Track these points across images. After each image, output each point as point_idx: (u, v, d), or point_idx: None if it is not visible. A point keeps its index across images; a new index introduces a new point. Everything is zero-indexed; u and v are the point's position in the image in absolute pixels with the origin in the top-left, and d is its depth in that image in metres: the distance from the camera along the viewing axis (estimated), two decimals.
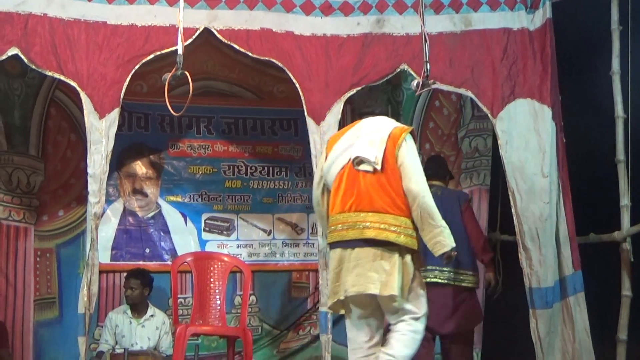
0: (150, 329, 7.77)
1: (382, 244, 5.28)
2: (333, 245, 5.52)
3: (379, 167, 5.35)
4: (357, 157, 5.41)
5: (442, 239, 5.27)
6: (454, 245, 5.30)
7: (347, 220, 5.40)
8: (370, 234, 5.30)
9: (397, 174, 5.35)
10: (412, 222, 5.35)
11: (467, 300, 6.93)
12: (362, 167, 5.41)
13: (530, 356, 6.77)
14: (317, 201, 5.86)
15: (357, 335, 5.50)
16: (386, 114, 6.04)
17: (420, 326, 5.38)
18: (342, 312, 5.55)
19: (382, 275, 5.23)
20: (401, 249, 5.30)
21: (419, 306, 5.38)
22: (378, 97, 6.13)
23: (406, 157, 5.38)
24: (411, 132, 5.54)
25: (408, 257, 5.33)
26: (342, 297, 5.38)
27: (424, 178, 5.40)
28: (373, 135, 5.47)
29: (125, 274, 7.95)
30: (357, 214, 5.36)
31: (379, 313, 5.48)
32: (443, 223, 5.31)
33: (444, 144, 8.64)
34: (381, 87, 8.19)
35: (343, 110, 6.93)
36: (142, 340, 7.68)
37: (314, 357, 8.27)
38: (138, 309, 7.78)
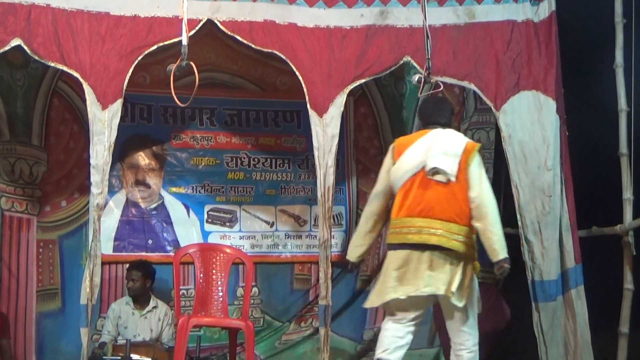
0: (153, 320, 7.79)
1: (448, 250, 5.60)
2: (396, 246, 5.76)
3: (453, 178, 5.66)
4: (434, 168, 5.66)
5: (496, 248, 5.58)
6: (505, 256, 5.55)
7: (414, 225, 5.67)
8: (435, 240, 5.61)
9: (466, 186, 5.67)
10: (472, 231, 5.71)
11: (491, 298, 7.03)
12: (437, 177, 5.67)
13: (534, 349, 6.80)
14: (378, 205, 6.07)
15: (394, 331, 5.76)
16: (451, 125, 6.15)
17: (476, 333, 5.77)
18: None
19: (449, 278, 5.58)
20: (465, 256, 5.65)
21: (473, 309, 5.77)
22: (445, 108, 6.15)
23: (474, 169, 5.68)
24: (479, 149, 5.85)
25: (470, 264, 5.69)
26: (402, 297, 5.64)
27: (490, 189, 5.71)
28: (448, 147, 5.73)
29: (127, 265, 7.98)
30: (425, 220, 5.65)
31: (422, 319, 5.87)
32: (498, 232, 5.60)
33: None
34: (383, 80, 8.22)
35: (346, 102, 6.93)
36: (144, 332, 7.71)
37: (315, 348, 8.25)
38: (140, 300, 7.80)
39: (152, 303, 7.84)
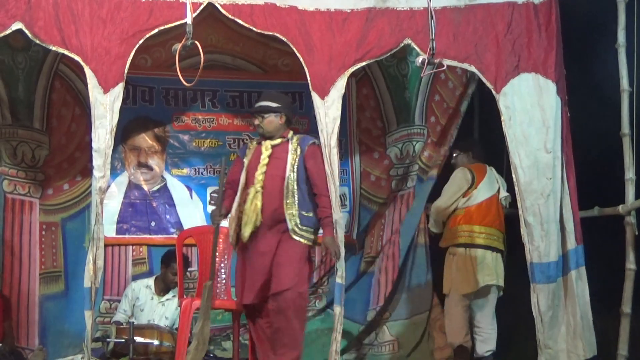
0: (170, 308, 7.95)
1: (502, 251, 7.66)
2: (476, 246, 7.57)
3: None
4: (508, 195, 7.67)
5: None
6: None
7: (490, 232, 7.61)
8: (499, 245, 7.65)
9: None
10: None
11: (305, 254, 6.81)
12: (503, 201, 7.76)
13: (532, 330, 6.91)
14: (448, 211, 7.77)
15: (465, 319, 7.59)
16: None
17: None
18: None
19: (501, 271, 7.62)
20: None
21: None
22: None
23: None
24: None
25: None
26: (482, 285, 7.49)
27: None
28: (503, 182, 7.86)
29: (165, 253, 8.14)
30: (493, 229, 7.65)
31: None
32: None
33: (449, 117, 8.76)
34: (385, 60, 8.27)
35: (348, 83, 6.99)
36: (159, 319, 7.86)
37: (319, 330, 8.38)
38: (163, 287, 7.98)
39: (172, 292, 7.99)
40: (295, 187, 6.64)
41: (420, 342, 8.52)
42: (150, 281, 8.02)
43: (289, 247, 6.61)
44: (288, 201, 6.60)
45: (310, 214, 6.70)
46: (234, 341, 7.44)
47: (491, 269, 7.47)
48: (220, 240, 7.60)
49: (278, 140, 6.76)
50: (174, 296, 7.96)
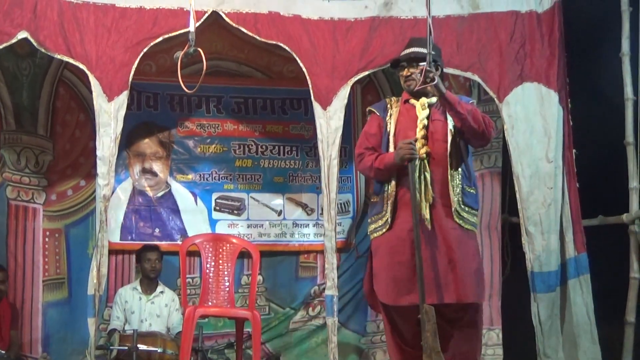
0: (159, 305, 8.05)
1: None
2: None
3: None
4: None
5: None
6: None
7: None
8: None
9: None
10: None
11: None
12: None
13: (532, 339, 7.09)
14: None
15: None
16: None
17: None
18: None
19: None
20: None
21: None
22: None
23: None
24: None
25: None
26: None
27: None
28: None
29: (135, 252, 8.26)
30: None
31: None
32: None
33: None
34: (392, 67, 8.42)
35: (353, 90, 7.22)
36: (151, 317, 7.98)
37: (320, 340, 8.57)
38: (149, 285, 8.08)
39: (159, 288, 8.10)
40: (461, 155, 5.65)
41: None
42: (136, 283, 8.14)
43: (465, 240, 5.61)
44: (452, 172, 5.60)
45: (473, 191, 5.70)
46: (237, 350, 7.56)
47: None
48: (223, 249, 7.80)
49: (434, 99, 5.68)
50: (161, 292, 8.11)
